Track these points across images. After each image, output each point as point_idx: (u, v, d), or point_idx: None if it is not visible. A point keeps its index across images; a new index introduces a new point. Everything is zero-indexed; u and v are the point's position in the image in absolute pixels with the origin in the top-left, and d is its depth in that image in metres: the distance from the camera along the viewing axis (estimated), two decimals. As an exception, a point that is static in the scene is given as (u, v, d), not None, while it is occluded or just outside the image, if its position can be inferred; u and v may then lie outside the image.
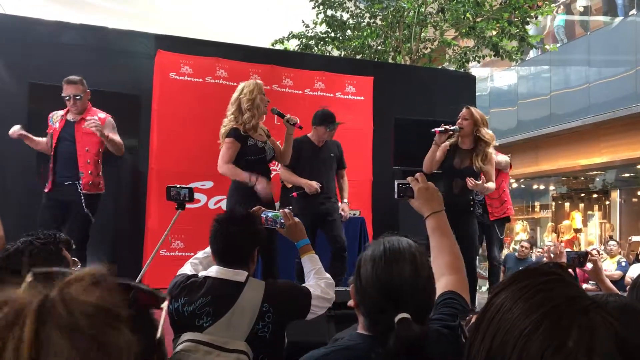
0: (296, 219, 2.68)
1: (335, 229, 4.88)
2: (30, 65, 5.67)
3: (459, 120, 4.88)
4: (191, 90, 6.18)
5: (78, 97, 4.62)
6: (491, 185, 4.83)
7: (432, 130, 4.80)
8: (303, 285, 2.52)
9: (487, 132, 4.84)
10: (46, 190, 4.63)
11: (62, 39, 5.93)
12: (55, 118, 4.71)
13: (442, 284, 1.67)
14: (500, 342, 0.72)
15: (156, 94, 6.08)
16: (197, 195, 5.89)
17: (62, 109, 4.76)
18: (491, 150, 4.92)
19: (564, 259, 3.08)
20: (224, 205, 5.35)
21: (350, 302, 1.53)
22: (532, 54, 13.80)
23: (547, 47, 12.77)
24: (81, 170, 4.60)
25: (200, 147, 5.84)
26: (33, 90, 5.41)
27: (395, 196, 2.13)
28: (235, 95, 4.29)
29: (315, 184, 4.75)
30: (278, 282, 2.48)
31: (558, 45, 13.07)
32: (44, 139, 4.71)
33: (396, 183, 2.15)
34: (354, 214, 5.74)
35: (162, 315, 0.71)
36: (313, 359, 1.44)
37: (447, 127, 4.78)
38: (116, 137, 4.71)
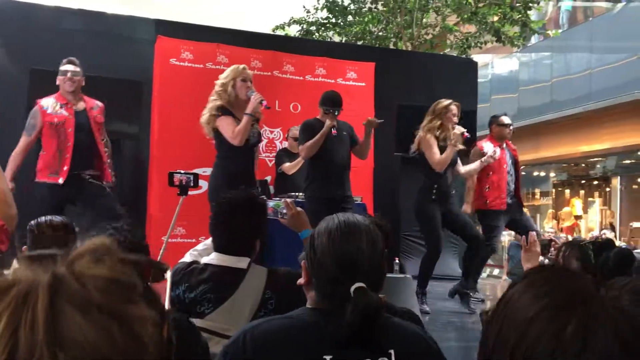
0: (299, 209, 2.65)
1: None
2: (31, 51, 5.64)
3: (456, 118, 5.03)
4: (192, 76, 6.14)
5: (76, 74, 4.55)
6: (477, 164, 5.21)
7: (462, 135, 4.95)
8: None
9: None
10: (59, 180, 4.47)
11: (61, 24, 5.89)
12: (53, 105, 4.53)
13: None
14: (506, 328, 0.76)
15: (157, 80, 6.05)
16: (199, 182, 5.90)
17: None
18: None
19: (538, 248, 3.08)
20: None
21: (301, 280, 1.52)
22: (533, 40, 13.73)
23: (549, 32, 12.70)
24: (100, 159, 4.63)
25: (201, 133, 5.78)
26: (34, 76, 5.38)
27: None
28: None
29: (329, 122, 4.70)
30: (281, 270, 2.43)
31: (560, 31, 13.00)
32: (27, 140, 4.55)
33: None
34: (356, 201, 5.73)
35: (168, 285, 0.70)
36: (253, 326, 1.44)
37: (465, 132, 5.00)
38: None
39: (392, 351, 1.39)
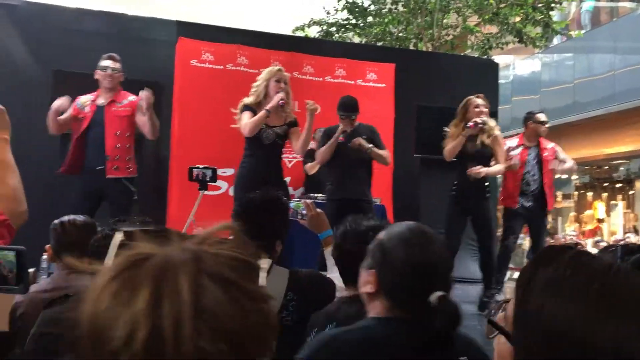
0: (318, 210, 2.63)
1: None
2: (53, 52, 5.70)
3: (479, 110, 4.92)
4: (212, 77, 6.18)
5: (115, 70, 4.61)
6: (499, 167, 4.99)
7: (469, 125, 4.85)
8: (327, 275, 2.48)
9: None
10: (78, 173, 4.60)
11: (83, 26, 5.95)
12: (84, 102, 4.63)
13: None
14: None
15: (177, 81, 6.09)
16: (218, 182, 5.92)
17: (86, 94, 4.72)
18: (498, 132, 5.00)
19: None
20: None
21: (367, 289, 1.51)
22: (555, 40, 13.57)
23: (572, 33, 12.55)
24: (108, 154, 4.56)
25: (221, 134, 5.85)
26: (57, 77, 5.44)
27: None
28: None
29: (340, 128, 4.74)
30: (302, 271, 2.41)
31: (583, 31, 12.84)
32: (64, 117, 4.61)
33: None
34: (375, 202, 5.71)
35: (263, 272, 0.78)
36: (328, 337, 1.45)
37: (478, 121, 4.86)
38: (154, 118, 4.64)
39: (462, 359, 1.43)
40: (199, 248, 0.66)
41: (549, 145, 5.49)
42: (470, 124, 4.81)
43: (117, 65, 4.64)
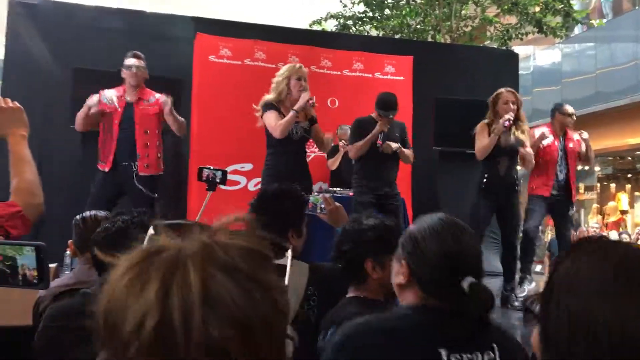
0: (337, 204, 2.63)
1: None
2: (73, 50, 5.77)
3: (507, 106, 4.86)
4: (230, 72, 6.20)
5: (141, 69, 4.68)
6: (529, 150, 4.97)
7: (505, 124, 4.78)
8: None
9: (522, 112, 5.00)
10: (106, 169, 4.66)
11: (102, 23, 6.01)
12: (111, 97, 4.69)
13: None
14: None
15: (196, 77, 6.12)
16: (236, 177, 5.95)
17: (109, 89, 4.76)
18: (527, 126, 5.04)
19: None
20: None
21: (399, 279, 1.54)
22: (576, 30, 13.38)
23: (593, 22, 12.36)
24: (139, 152, 4.64)
25: (239, 129, 5.87)
26: (77, 75, 5.50)
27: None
28: None
29: (378, 127, 4.70)
30: (323, 265, 2.40)
31: (605, 20, 12.64)
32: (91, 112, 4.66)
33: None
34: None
35: (288, 263, 0.84)
36: (361, 326, 1.46)
37: (510, 118, 4.80)
38: (178, 116, 4.72)
39: (495, 345, 1.46)
40: (209, 239, 0.68)
41: (575, 136, 5.48)
42: (506, 123, 4.76)
43: (142, 64, 4.73)
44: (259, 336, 0.63)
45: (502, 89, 4.96)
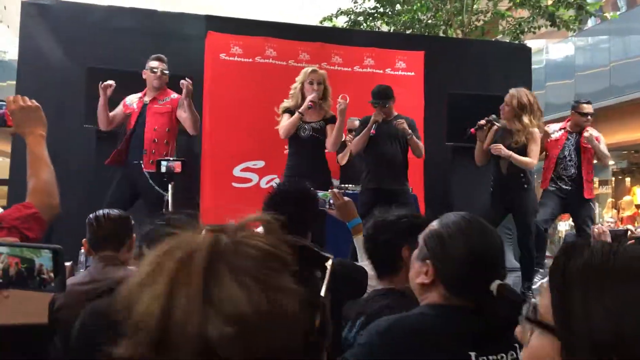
0: (346, 198, 2.62)
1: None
2: (86, 50, 5.81)
3: (502, 105, 4.91)
4: (241, 70, 6.21)
5: (166, 72, 4.79)
6: (527, 160, 4.79)
7: (469, 131, 4.90)
8: (359, 264, 2.48)
9: (530, 120, 4.79)
10: (121, 167, 4.75)
11: (114, 23, 6.05)
12: (132, 99, 4.83)
13: None
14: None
15: (207, 75, 6.13)
16: (249, 175, 5.97)
17: (130, 93, 4.86)
18: (534, 129, 4.84)
19: (608, 238, 3.09)
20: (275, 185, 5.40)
21: (422, 279, 1.51)
22: (589, 23, 13.25)
23: (606, 15, 12.23)
24: (145, 148, 4.68)
25: (251, 126, 5.89)
26: (90, 75, 5.53)
27: None
28: None
29: (373, 117, 4.77)
30: (336, 262, 2.40)
31: (618, 13, 12.50)
32: (113, 112, 4.80)
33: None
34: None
35: (327, 274, 0.76)
36: (385, 324, 1.45)
37: (481, 123, 4.87)
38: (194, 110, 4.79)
39: (517, 345, 1.43)
40: (226, 238, 0.68)
41: (594, 133, 5.43)
42: (472, 129, 4.91)
43: (165, 67, 4.82)
44: (259, 337, 0.63)
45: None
